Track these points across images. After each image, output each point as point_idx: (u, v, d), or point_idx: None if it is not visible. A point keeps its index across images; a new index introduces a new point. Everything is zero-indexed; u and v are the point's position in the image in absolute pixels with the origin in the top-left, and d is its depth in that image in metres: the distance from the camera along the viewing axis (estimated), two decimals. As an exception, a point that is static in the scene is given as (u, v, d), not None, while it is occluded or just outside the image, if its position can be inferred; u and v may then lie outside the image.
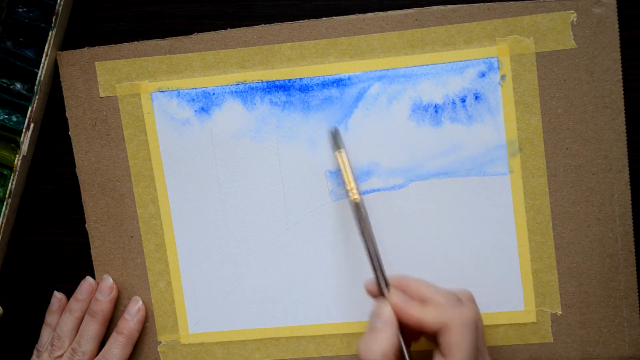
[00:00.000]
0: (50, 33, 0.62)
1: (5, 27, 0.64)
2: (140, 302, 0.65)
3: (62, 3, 0.62)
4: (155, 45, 0.62)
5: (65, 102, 0.64)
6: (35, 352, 0.65)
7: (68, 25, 0.65)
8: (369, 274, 0.62)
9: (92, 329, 0.64)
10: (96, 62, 0.63)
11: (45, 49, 0.62)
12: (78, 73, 0.63)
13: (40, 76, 0.62)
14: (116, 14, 0.64)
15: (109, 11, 0.64)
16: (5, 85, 0.65)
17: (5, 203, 0.64)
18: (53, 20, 0.62)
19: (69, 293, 0.67)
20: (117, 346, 0.64)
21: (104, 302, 0.64)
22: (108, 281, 0.65)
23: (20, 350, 0.68)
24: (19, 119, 0.65)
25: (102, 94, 0.63)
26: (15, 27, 0.64)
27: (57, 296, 0.66)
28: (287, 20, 0.62)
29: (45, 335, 0.65)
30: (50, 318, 0.65)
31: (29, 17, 0.64)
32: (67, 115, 0.64)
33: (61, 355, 0.64)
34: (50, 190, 0.67)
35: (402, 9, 0.60)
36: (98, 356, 0.63)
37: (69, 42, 0.65)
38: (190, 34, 0.62)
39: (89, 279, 0.65)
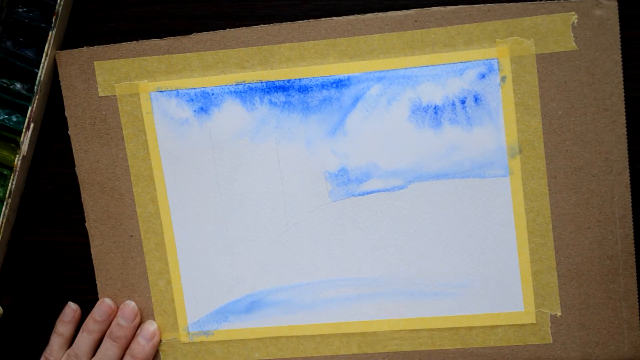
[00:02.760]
0: (50, 33, 0.62)
1: (5, 27, 0.64)
2: (156, 326, 0.65)
3: (62, 3, 0.62)
4: (154, 45, 0.62)
5: (65, 102, 0.64)
6: (43, 359, 0.65)
7: (68, 25, 0.64)
8: (367, 273, 0.62)
9: (113, 354, 0.64)
10: (95, 62, 0.63)
11: (45, 49, 0.62)
12: (77, 72, 0.63)
13: (40, 76, 0.62)
14: (116, 14, 0.64)
15: (108, 11, 0.64)
16: (5, 85, 0.65)
17: (5, 203, 0.64)
18: (53, 20, 0.62)
19: (69, 294, 0.67)
20: None
21: (127, 328, 0.64)
22: (132, 307, 0.65)
23: (20, 350, 0.69)
24: (19, 119, 0.65)
25: (101, 94, 0.63)
26: (15, 27, 0.64)
27: (72, 307, 0.66)
28: (286, 21, 0.62)
29: (56, 344, 0.65)
30: (62, 328, 0.66)
31: (29, 17, 0.64)
32: (66, 114, 0.64)
33: None
34: (50, 190, 0.67)
35: (402, 9, 0.60)
36: None
37: (68, 42, 0.65)
38: (190, 34, 0.62)
39: (107, 300, 0.65)
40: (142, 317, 0.65)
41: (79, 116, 0.64)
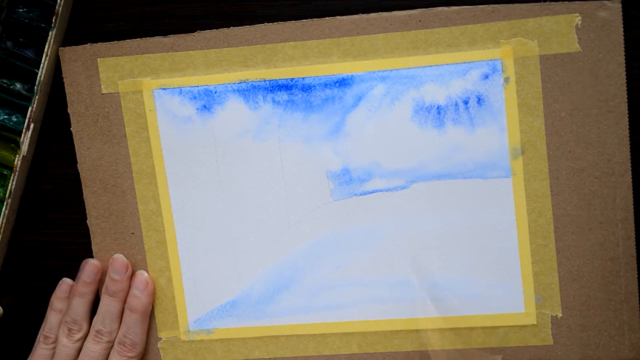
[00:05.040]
0: (50, 33, 0.62)
1: (5, 27, 0.64)
2: (146, 275, 0.65)
3: (62, 3, 0.62)
4: (157, 42, 0.62)
5: (68, 99, 0.64)
6: (42, 338, 0.64)
7: (68, 26, 0.65)
8: (368, 273, 0.62)
9: (114, 309, 0.64)
10: (98, 59, 0.63)
11: (45, 49, 0.62)
12: (80, 69, 0.63)
13: (40, 76, 0.62)
14: (116, 14, 0.64)
15: (109, 11, 0.64)
16: (5, 85, 0.65)
17: (5, 203, 0.64)
18: (53, 20, 0.62)
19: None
20: (136, 324, 0.64)
21: (122, 281, 0.64)
22: (122, 259, 0.64)
23: (20, 350, 0.68)
24: (19, 119, 0.65)
25: (104, 91, 0.63)
26: (15, 27, 0.64)
27: (68, 282, 0.65)
28: (286, 21, 0.62)
29: (54, 320, 0.65)
30: (61, 304, 0.65)
31: (29, 17, 0.64)
32: (69, 111, 0.64)
33: (80, 338, 0.64)
34: (50, 190, 0.67)
35: (406, 9, 0.60)
36: (119, 336, 0.64)
37: (69, 42, 0.64)
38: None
39: (91, 260, 0.65)
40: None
41: (82, 113, 0.64)
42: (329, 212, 0.63)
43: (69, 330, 0.63)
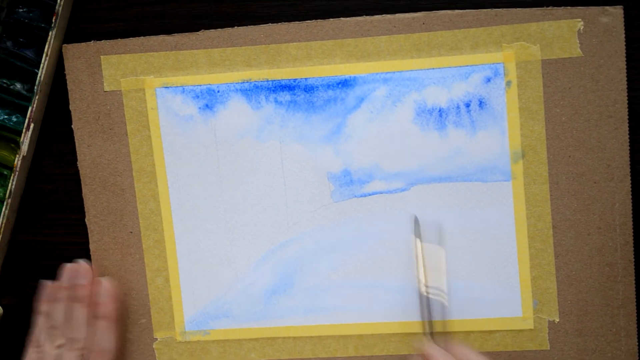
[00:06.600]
0: (50, 33, 0.62)
1: (5, 27, 0.64)
2: (110, 281, 0.64)
3: (62, 3, 0.62)
4: (161, 41, 0.62)
5: (69, 96, 0.64)
6: (30, 343, 0.64)
7: (68, 26, 0.65)
8: (366, 275, 0.62)
9: (81, 315, 0.63)
10: (102, 56, 0.63)
11: (45, 49, 0.62)
12: (83, 66, 0.63)
13: (40, 76, 0.62)
14: (116, 14, 0.64)
15: (109, 11, 0.64)
16: (5, 85, 0.65)
17: (5, 203, 0.64)
18: (53, 20, 0.62)
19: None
20: (104, 331, 0.63)
21: (86, 286, 0.63)
22: (83, 265, 0.64)
23: (21, 350, 0.68)
24: (19, 119, 0.64)
25: (106, 88, 0.63)
26: (15, 27, 0.64)
27: (49, 284, 0.64)
28: (286, 21, 0.62)
29: (40, 324, 0.64)
30: (45, 307, 0.64)
31: (29, 17, 0.64)
32: (70, 108, 0.64)
33: (63, 344, 0.63)
34: (50, 190, 0.67)
35: (408, 12, 0.60)
36: (90, 344, 0.62)
37: (69, 42, 0.64)
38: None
39: (68, 265, 0.64)
40: (137, 314, 0.65)
41: (83, 110, 0.64)
42: (329, 213, 0.63)
43: (50, 336, 0.63)
